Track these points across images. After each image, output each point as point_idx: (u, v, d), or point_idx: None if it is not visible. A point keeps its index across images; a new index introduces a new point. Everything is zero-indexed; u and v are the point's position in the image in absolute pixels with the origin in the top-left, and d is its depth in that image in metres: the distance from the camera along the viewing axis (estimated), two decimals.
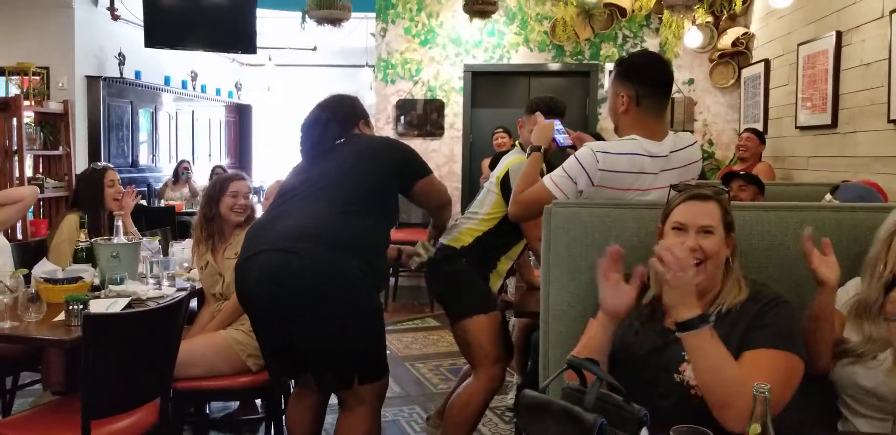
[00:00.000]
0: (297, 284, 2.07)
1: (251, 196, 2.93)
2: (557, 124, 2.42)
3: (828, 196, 2.53)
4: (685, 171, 2.06)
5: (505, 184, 2.64)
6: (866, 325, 1.52)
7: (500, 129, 5.75)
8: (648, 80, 2.00)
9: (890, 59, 3.42)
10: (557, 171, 1.96)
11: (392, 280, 5.75)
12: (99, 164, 3.48)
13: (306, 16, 4.80)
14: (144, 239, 3.10)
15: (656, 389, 1.41)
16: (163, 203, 6.76)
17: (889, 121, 3.43)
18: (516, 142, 2.88)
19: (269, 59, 8.92)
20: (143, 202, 6.24)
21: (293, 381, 2.71)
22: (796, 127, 4.63)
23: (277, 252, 2.11)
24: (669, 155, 1.99)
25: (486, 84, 6.27)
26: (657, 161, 1.96)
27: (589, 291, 1.87)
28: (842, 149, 4.01)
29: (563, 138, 2.39)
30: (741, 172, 3.42)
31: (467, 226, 2.72)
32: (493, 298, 2.72)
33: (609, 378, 1.11)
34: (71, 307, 2.27)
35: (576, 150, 2.26)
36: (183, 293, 2.68)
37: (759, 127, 5.20)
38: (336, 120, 2.44)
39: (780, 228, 1.83)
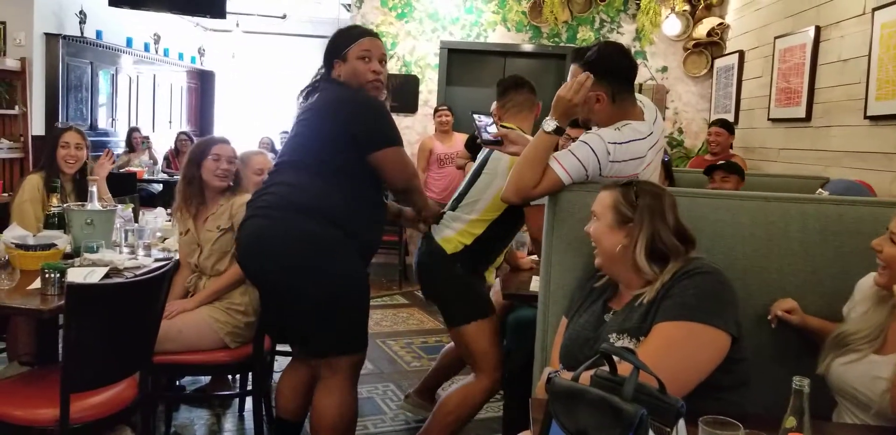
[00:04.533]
0: (271, 251, 2.12)
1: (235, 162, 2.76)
2: (484, 118, 2.24)
3: (819, 190, 2.59)
4: (661, 142, 2.06)
5: None
6: (874, 309, 1.55)
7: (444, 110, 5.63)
8: (623, 78, 1.97)
9: (870, 56, 3.49)
10: (566, 157, 1.88)
11: None
12: (67, 124, 3.29)
13: None
14: (118, 206, 2.98)
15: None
16: (123, 170, 6.53)
17: (865, 117, 3.51)
18: (510, 125, 2.61)
19: (237, 25, 8.63)
20: None
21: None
22: (769, 119, 4.71)
23: (257, 218, 2.17)
24: (653, 129, 2.00)
25: (461, 62, 6.21)
26: (648, 141, 1.96)
27: (591, 275, 1.88)
28: (814, 142, 4.10)
29: (490, 132, 2.21)
30: (721, 163, 3.45)
31: (464, 224, 2.45)
32: (489, 300, 2.55)
33: (647, 368, 1.10)
34: (48, 275, 2.16)
35: (501, 144, 2.19)
36: (161, 264, 2.60)
37: (731, 117, 5.29)
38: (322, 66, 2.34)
39: (784, 219, 1.86)
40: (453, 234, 2.44)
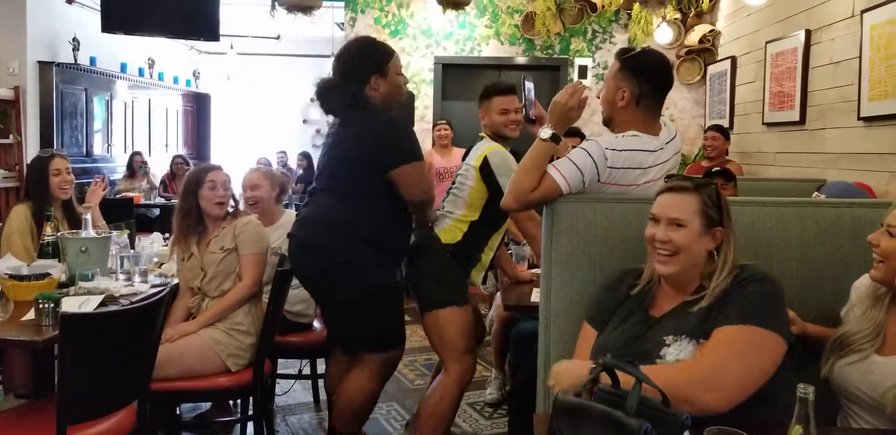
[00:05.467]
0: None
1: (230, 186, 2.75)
2: (532, 92, 2.30)
3: (815, 193, 2.57)
4: (672, 161, 2.05)
5: (485, 171, 2.58)
6: (871, 308, 1.54)
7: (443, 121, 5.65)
8: (654, 81, 1.97)
9: (860, 57, 3.48)
10: (564, 163, 1.89)
11: None
12: (47, 151, 3.26)
13: (276, 3, 4.67)
14: (113, 233, 2.96)
15: None
16: (119, 196, 6.53)
17: (859, 118, 3.50)
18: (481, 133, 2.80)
19: (231, 47, 8.67)
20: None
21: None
22: (763, 123, 4.70)
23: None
24: (664, 147, 1.99)
25: (456, 76, 6.22)
26: (653, 155, 1.95)
27: (592, 287, 1.85)
28: (810, 145, 4.09)
29: (531, 109, 2.32)
30: (716, 169, 3.43)
31: (452, 221, 2.66)
32: (468, 292, 2.70)
33: (650, 381, 1.07)
34: (42, 306, 2.14)
35: (534, 123, 2.32)
36: (158, 290, 2.58)
37: (725, 123, 5.28)
38: (348, 78, 2.39)
39: (781, 224, 1.84)
40: (447, 227, 2.66)
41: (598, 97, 2.11)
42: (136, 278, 2.77)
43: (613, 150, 1.89)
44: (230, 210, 2.73)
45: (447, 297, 2.58)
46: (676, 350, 1.42)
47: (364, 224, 2.39)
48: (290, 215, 3.19)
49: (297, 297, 3.03)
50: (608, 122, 2.06)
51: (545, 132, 1.93)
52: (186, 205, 2.67)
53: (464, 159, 3.03)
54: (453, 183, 2.75)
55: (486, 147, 2.65)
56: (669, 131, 2.03)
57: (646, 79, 1.95)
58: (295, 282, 2.80)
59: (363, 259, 2.39)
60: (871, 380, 1.47)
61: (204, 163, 2.98)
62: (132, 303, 2.40)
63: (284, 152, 8.95)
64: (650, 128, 1.98)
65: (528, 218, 2.62)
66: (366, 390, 2.53)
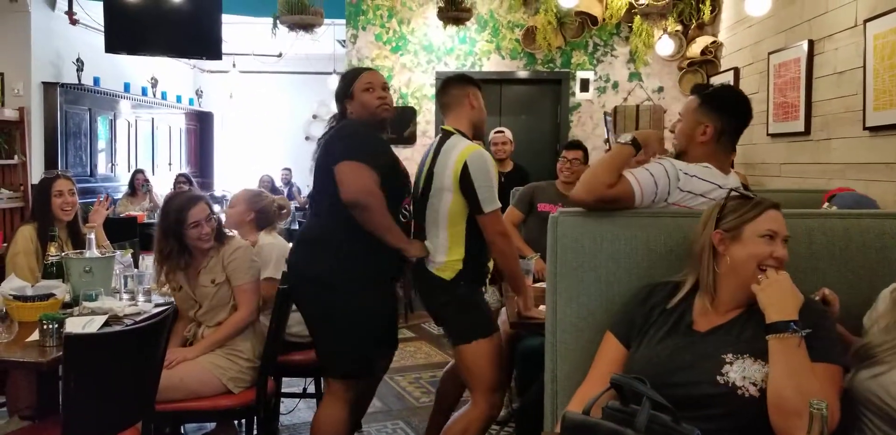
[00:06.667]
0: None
1: (213, 214, 2.64)
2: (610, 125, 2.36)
3: (826, 204, 2.55)
4: None
5: (465, 181, 2.34)
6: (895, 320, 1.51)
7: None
8: (738, 117, 2.00)
9: (864, 67, 3.47)
10: (641, 172, 1.88)
11: None
12: (52, 172, 3.26)
13: (277, 21, 4.70)
14: (117, 252, 2.96)
15: (695, 393, 1.38)
16: (122, 214, 6.54)
17: (865, 128, 3.48)
18: (448, 127, 2.57)
19: (234, 65, 8.73)
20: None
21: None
22: (768, 134, 4.69)
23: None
24: (727, 188, 1.99)
25: None
26: (718, 191, 1.93)
27: (598, 302, 1.84)
28: (815, 156, 4.07)
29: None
30: None
31: (447, 251, 2.42)
32: (490, 318, 2.55)
33: (657, 397, 1.05)
34: (46, 326, 2.13)
35: None
36: (161, 309, 2.56)
37: None
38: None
39: (790, 235, 1.81)
40: (444, 260, 2.42)
41: (672, 131, 2.11)
42: (140, 298, 2.77)
43: (686, 173, 1.91)
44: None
45: (470, 329, 2.44)
46: (740, 368, 1.40)
47: (338, 236, 2.34)
48: (264, 240, 3.05)
49: (294, 318, 2.99)
50: (680, 155, 2.05)
51: (624, 137, 1.96)
52: (167, 246, 2.55)
53: (426, 157, 2.59)
54: (424, 193, 2.48)
55: (465, 147, 2.40)
56: (735, 179, 2.04)
57: (730, 114, 1.97)
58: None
59: (333, 277, 2.34)
60: None
61: (177, 195, 2.74)
62: (136, 322, 2.39)
63: (289, 169, 8.97)
64: (722, 165, 1.99)
65: (499, 233, 2.41)
66: (330, 418, 2.46)
